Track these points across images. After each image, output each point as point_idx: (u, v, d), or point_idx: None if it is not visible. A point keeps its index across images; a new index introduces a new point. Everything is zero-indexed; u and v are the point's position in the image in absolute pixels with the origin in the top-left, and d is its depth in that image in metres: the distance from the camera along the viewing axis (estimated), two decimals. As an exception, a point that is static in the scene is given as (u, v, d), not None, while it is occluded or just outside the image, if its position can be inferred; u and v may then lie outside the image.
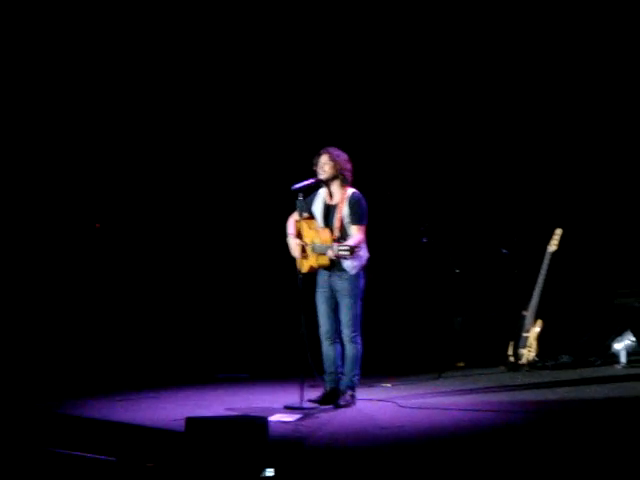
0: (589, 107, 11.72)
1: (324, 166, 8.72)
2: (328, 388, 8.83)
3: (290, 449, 7.13)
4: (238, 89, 12.13)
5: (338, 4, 11.87)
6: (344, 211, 8.71)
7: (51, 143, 11.81)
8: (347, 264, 8.63)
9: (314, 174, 8.77)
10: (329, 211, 8.80)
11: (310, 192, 8.88)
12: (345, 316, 8.70)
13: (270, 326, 11.88)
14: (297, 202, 8.78)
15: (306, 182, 8.75)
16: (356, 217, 8.68)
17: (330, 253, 8.56)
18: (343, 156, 8.76)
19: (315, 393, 8.87)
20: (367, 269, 8.77)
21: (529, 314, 10.85)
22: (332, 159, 8.72)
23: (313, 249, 8.74)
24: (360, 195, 8.77)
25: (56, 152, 11.83)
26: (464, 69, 11.97)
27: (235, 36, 12.01)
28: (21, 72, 11.57)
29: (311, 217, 8.88)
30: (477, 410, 8.49)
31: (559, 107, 11.80)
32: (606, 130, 11.70)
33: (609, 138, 11.69)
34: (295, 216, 8.86)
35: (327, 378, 8.85)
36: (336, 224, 8.72)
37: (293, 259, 8.83)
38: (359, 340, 8.75)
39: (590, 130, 11.74)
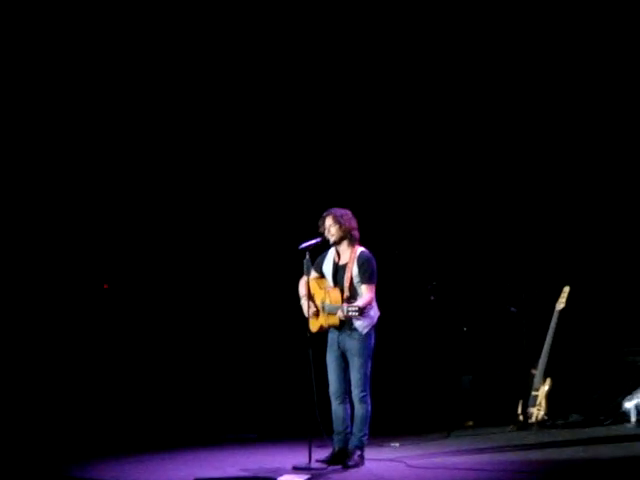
0: (598, 159, 11.73)
1: (330, 229, 8.74)
2: (337, 448, 8.78)
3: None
4: (244, 145, 12.21)
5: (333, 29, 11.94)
6: (354, 271, 8.72)
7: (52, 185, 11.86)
8: (358, 324, 8.63)
9: (320, 234, 8.79)
10: (338, 271, 8.81)
11: (320, 251, 8.91)
12: (355, 375, 8.68)
13: (278, 386, 11.85)
14: (304, 262, 8.81)
15: (313, 241, 8.77)
16: (365, 277, 8.69)
17: (340, 314, 8.58)
18: (347, 215, 8.77)
19: (323, 453, 8.82)
20: (377, 328, 8.77)
21: (538, 372, 10.80)
22: (337, 221, 8.73)
23: (323, 309, 8.76)
24: (369, 254, 8.79)
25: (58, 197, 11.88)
26: (469, 107, 12.00)
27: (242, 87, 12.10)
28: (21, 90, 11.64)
29: (322, 276, 8.91)
30: (486, 470, 8.43)
31: (565, 159, 11.82)
32: (614, 185, 11.70)
33: (616, 194, 11.70)
34: (305, 277, 8.89)
35: (336, 438, 8.80)
36: (346, 284, 8.72)
37: (304, 319, 8.83)
38: (368, 400, 8.71)
39: (597, 185, 11.75)
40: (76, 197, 12.00)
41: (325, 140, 12.16)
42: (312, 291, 8.84)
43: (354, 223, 8.80)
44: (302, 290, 8.90)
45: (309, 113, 12.16)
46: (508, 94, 11.86)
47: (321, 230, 8.79)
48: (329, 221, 8.74)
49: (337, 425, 8.79)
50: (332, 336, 8.80)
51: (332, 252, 8.88)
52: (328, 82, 12.05)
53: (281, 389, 11.78)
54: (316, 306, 8.80)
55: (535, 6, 11.64)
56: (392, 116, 12.16)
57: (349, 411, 8.79)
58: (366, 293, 8.66)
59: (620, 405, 10.84)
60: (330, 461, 8.70)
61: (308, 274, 8.84)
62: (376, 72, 12.03)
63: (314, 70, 12.05)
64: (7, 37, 11.50)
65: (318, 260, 8.93)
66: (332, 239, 8.75)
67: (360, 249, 8.80)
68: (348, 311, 8.46)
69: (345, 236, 8.76)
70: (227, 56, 12.08)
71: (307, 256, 8.78)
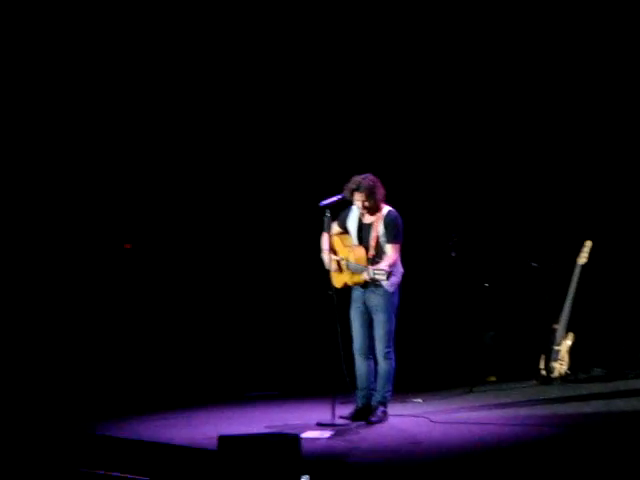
0: (614, 118, 11.67)
1: (364, 204, 8.61)
2: (360, 404, 8.81)
3: (323, 466, 7.12)
4: (261, 111, 12.18)
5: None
6: (380, 230, 8.69)
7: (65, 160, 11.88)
8: (385, 282, 8.59)
9: (342, 190, 8.75)
10: (364, 229, 8.78)
11: (341, 207, 8.88)
12: (379, 332, 8.69)
13: (300, 343, 11.87)
14: (325, 219, 8.78)
15: (334, 198, 8.74)
16: (392, 236, 8.65)
17: (365, 276, 8.57)
18: (376, 186, 8.64)
19: (347, 410, 8.86)
20: (401, 285, 8.76)
21: (560, 327, 10.79)
22: (370, 196, 8.58)
23: (347, 267, 8.74)
24: (396, 213, 8.74)
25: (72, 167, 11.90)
26: (490, 79, 11.94)
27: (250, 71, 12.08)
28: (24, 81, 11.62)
29: (345, 232, 8.88)
30: (508, 425, 8.45)
31: (586, 118, 11.75)
32: (635, 141, 11.63)
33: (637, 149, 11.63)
34: (330, 231, 8.85)
35: (359, 394, 8.83)
36: (371, 243, 8.70)
37: (326, 275, 8.81)
38: (392, 356, 8.73)
39: (619, 141, 11.67)
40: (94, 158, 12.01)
41: (340, 98, 12.10)
42: (335, 247, 8.82)
43: (383, 190, 8.72)
44: (324, 245, 8.87)
45: (322, 79, 12.11)
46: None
47: (345, 193, 8.71)
48: (361, 196, 8.60)
49: (361, 381, 8.82)
50: (357, 293, 8.80)
51: (356, 208, 8.81)
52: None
53: (302, 346, 11.80)
54: (339, 262, 8.79)
55: (535, 6, 11.57)
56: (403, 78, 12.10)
57: (372, 368, 8.81)
58: (392, 252, 8.63)
59: (643, 358, 10.85)
60: (354, 417, 8.74)
61: (329, 231, 8.82)
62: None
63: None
64: (7, 37, 11.46)
65: (342, 215, 8.89)
66: (366, 212, 8.66)
67: (387, 208, 8.75)
68: (375, 274, 8.44)
69: (377, 204, 8.71)
70: (225, 44, 12.03)
71: (327, 213, 8.75)
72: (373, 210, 8.70)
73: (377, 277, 8.45)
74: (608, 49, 11.52)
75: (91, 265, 11.92)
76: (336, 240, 8.84)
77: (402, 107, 12.10)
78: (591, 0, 11.53)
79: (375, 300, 8.69)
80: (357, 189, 8.62)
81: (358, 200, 8.64)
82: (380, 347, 8.69)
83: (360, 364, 8.81)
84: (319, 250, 8.96)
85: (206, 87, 12.14)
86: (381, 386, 8.73)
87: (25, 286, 11.62)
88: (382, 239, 8.67)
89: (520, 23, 11.72)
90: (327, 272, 8.80)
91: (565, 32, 11.58)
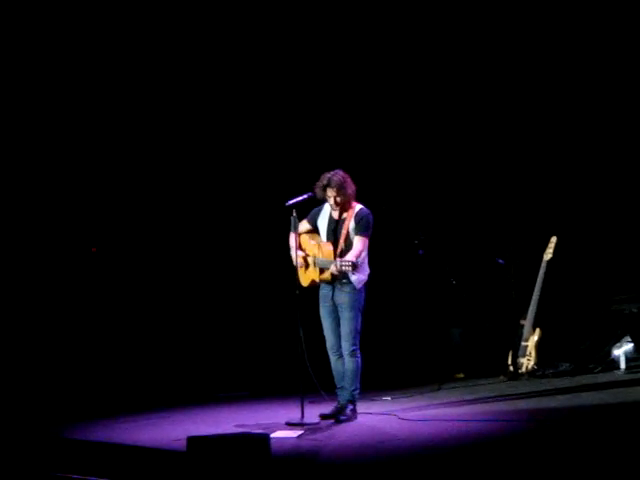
0: (581, 110, 11.74)
1: (335, 199, 8.64)
2: (342, 402, 8.81)
3: (293, 466, 7.13)
4: (237, 102, 12.17)
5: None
6: (350, 226, 8.70)
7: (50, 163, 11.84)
8: (354, 278, 8.62)
9: (310, 189, 8.76)
10: (335, 225, 8.79)
11: (309, 206, 8.88)
12: (345, 329, 8.69)
13: (267, 342, 11.88)
14: (291, 218, 8.79)
15: (300, 197, 8.76)
16: (361, 229, 8.66)
17: (333, 268, 8.57)
18: (347, 182, 8.66)
19: (316, 409, 8.87)
20: (367, 283, 8.77)
21: (527, 323, 10.85)
22: (340, 191, 8.61)
23: (315, 263, 8.75)
24: (368, 211, 8.75)
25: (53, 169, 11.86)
26: (456, 74, 11.98)
27: (237, 50, 12.05)
28: (20, 78, 11.58)
29: (314, 230, 8.90)
30: (478, 420, 8.49)
31: (551, 111, 11.82)
32: (599, 135, 11.71)
33: (602, 143, 11.70)
34: (299, 228, 8.86)
35: (339, 392, 8.83)
36: (341, 238, 8.69)
37: (293, 274, 8.81)
38: (359, 354, 8.72)
39: (582, 135, 11.75)
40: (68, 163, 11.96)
41: (311, 99, 12.11)
42: (303, 245, 8.84)
43: (354, 186, 8.74)
44: (292, 242, 8.88)
45: (301, 65, 12.11)
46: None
47: (316, 191, 8.73)
48: (332, 192, 8.63)
49: (338, 380, 8.82)
50: (324, 291, 8.81)
51: (328, 206, 8.83)
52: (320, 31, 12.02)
53: (271, 346, 11.80)
54: (305, 258, 8.80)
55: (535, 6, 11.63)
56: (380, 66, 12.11)
57: (346, 365, 8.83)
58: (358, 244, 8.62)
59: (609, 353, 10.92)
60: (325, 416, 8.74)
61: (296, 230, 8.83)
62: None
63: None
64: (7, 37, 11.43)
65: (313, 212, 8.90)
66: (336, 207, 8.68)
67: (359, 206, 8.77)
68: (342, 265, 8.44)
69: (348, 200, 8.74)
70: (224, 44, 12.04)
71: (294, 213, 8.77)
72: (344, 206, 8.71)
73: (344, 268, 8.43)
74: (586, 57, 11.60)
75: (62, 269, 11.87)
76: (304, 238, 8.86)
77: (368, 105, 12.13)
78: (591, 0, 11.59)
79: (342, 297, 8.69)
80: (328, 185, 8.64)
81: (330, 196, 8.65)
82: (346, 345, 8.69)
83: (335, 362, 8.81)
84: (286, 249, 8.96)
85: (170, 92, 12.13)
86: (348, 384, 8.73)
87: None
88: (352, 234, 8.69)
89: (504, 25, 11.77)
90: (295, 271, 8.81)
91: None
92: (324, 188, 8.66)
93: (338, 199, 8.65)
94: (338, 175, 8.65)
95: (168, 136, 12.18)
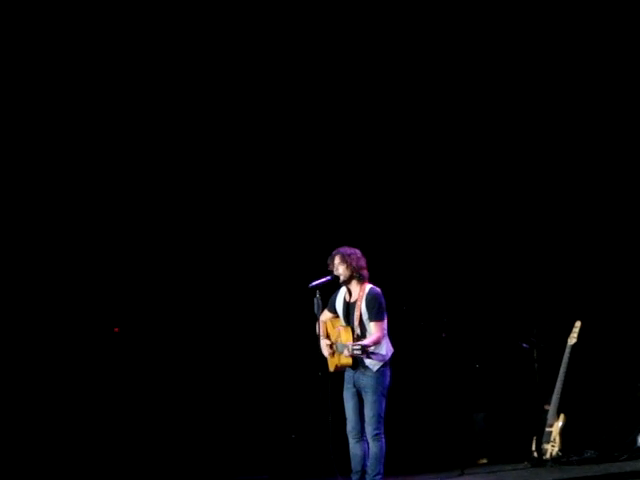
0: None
1: (338, 268, 8.77)
2: (365, 486, 8.73)
3: None
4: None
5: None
6: (362, 308, 8.72)
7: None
8: (368, 361, 8.62)
9: (330, 272, 8.81)
10: (349, 309, 8.82)
11: (332, 288, 8.90)
12: (368, 413, 8.64)
13: (290, 426, 11.79)
14: (315, 300, 8.83)
15: (323, 280, 8.81)
16: (373, 314, 8.69)
17: (346, 352, 8.60)
18: (355, 254, 8.79)
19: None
20: (391, 366, 8.73)
21: (552, 408, 10.74)
22: (344, 260, 8.76)
23: (336, 348, 8.76)
24: (378, 291, 8.79)
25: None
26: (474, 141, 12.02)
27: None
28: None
29: (336, 315, 8.93)
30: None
31: (579, 189, 11.81)
32: (627, 219, 11.69)
33: (629, 228, 11.68)
34: (323, 317, 8.93)
35: (354, 478, 8.75)
36: (355, 322, 8.73)
37: (322, 358, 8.85)
38: (382, 438, 8.66)
39: (610, 220, 11.73)
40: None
41: (334, 178, 12.17)
42: (328, 331, 8.92)
43: (362, 262, 8.81)
44: (319, 330, 8.93)
45: (318, 151, 12.18)
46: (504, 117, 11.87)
47: (330, 268, 8.81)
48: (337, 260, 8.78)
49: (355, 464, 8.75)
50: (348, 374, 8.80)
51: (343, 290, 8.90)
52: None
53: (293, 429, 11.72)
54: (331, 345, 8.82)
55: (535, 6, 11.66)
56: (401, 152, 12.18)
57: (367, 450, 8.74)
58: (374, 331, 8.66)
59: (635, 441, 10.76)
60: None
61: (319, 313, 8.85)
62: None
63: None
64: (7, 37, 11.52)
65: (331, 299, 8.98)
66: (341, 278, 8.80)
67: (369, 286, 8.81)
68: (353, 350, 8.49)
69: (353, 275, 8.78)
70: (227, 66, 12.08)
71: (317, 294, 8.80)
72: (352, 280, 8.73)
73: (355, 352, 8.49)
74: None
75: (79, 347, 11.86)
76: (328, 324, 8.96)
77: (390, 187, 12.18)
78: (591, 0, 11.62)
79: (364, 381, 8.66)
80: (335, 254, 8.78)
81: (336, 267, 8.76)
82: (369, 429, 8.63)
83: (354, 446, 8.75)
84: (310, 330, 8.96)
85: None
86: (371, 468, 8.65)
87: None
88: (365, 317, 8.71)
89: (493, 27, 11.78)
90: (321, 355, 8.82)
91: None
92: (332, 258, 8.75)
93: (341, 268, 8.73)
94: (345, 248, 8.81)
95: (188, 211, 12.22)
